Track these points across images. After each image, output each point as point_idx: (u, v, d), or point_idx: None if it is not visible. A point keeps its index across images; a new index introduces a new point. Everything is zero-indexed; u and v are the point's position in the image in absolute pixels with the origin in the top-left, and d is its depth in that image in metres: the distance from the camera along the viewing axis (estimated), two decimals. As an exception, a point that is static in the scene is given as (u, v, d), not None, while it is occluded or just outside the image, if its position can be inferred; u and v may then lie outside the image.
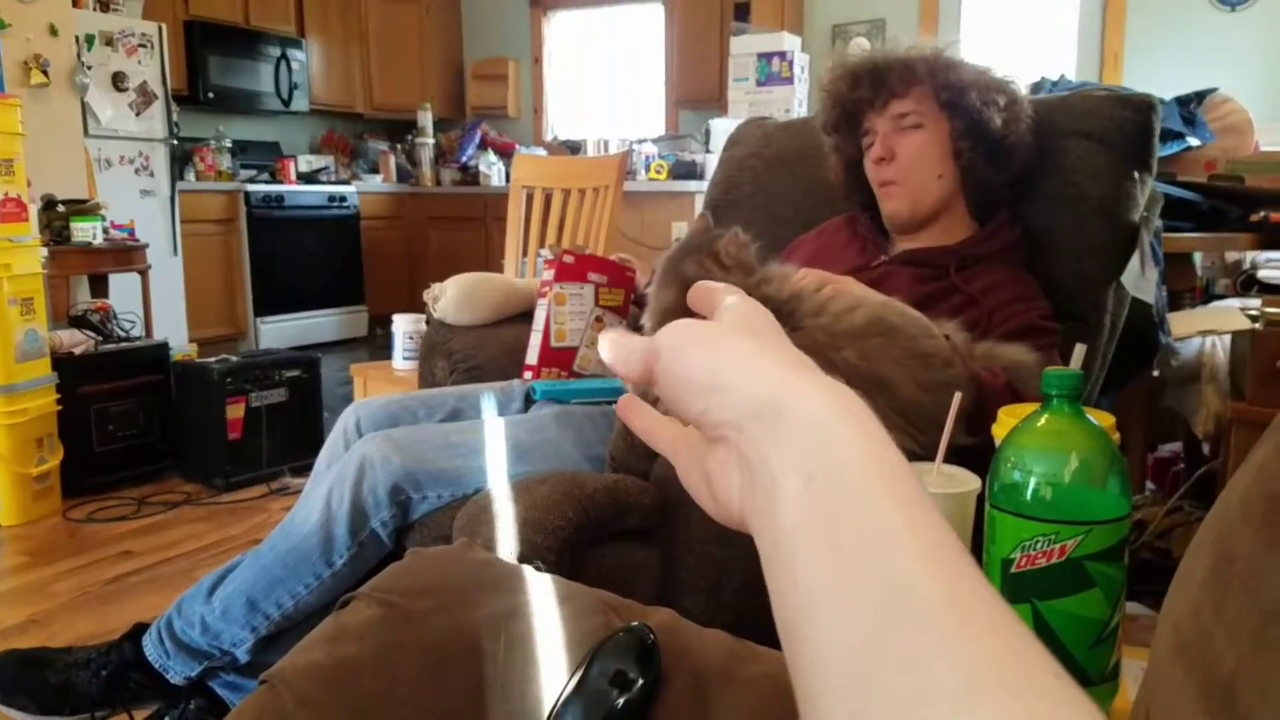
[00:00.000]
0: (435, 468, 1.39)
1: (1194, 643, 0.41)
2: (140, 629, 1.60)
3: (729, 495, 0.39)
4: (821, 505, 0.33)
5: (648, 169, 5.21)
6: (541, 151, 6.26)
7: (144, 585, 2.41)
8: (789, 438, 0.35)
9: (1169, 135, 2.85)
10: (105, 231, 3.96)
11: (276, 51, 6.09)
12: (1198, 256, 3.25)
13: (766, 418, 0.36)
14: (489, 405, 1.66)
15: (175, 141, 4.90)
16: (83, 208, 3.88)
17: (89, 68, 4.35)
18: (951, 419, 1.00)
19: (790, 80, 5.08)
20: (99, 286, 4.04)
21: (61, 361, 3.01)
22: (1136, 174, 1.59)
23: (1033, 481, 0.78)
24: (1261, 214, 2.85)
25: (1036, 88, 3.16)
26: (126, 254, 4.08)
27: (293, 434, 3.29)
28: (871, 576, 0.31)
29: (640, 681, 0.65)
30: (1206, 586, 0.42)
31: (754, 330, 0.41)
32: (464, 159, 6.73)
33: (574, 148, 6.45)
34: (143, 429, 3.25)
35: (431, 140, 6.77)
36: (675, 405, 0.40)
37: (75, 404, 3.04)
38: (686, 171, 5.08)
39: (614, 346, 0.43)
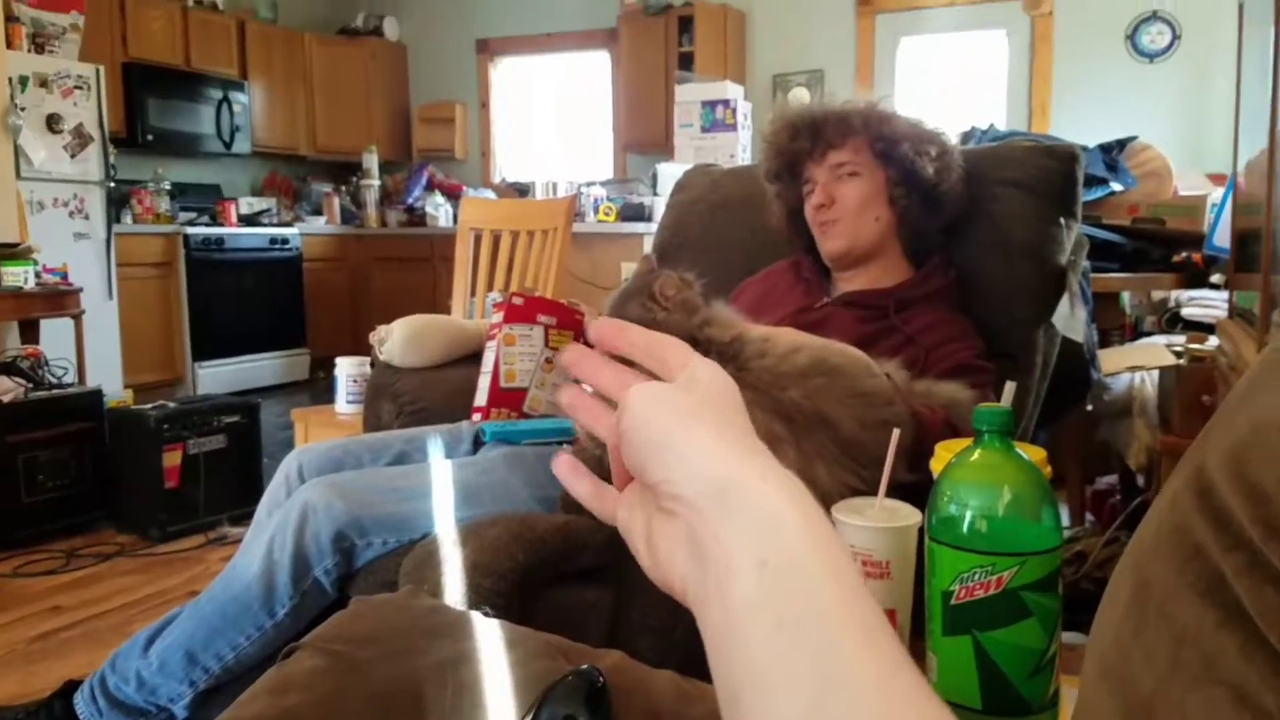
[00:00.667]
0: (380, 513, 1.38)
1: (1116, 667, 0.43)
2: (71, 686, 1.55)
3: (670, 567, 0.42)
4: (771, 587, 0.36)
5: (596, 211, 5.25)
6: (489, 194, 6.27)
7: (74, 642, 2.33)
8: (744, 524, 0.38)
9: (1093, 181, 2.95)
10: (37, 276, 3.88)
11: (218, 93, 6.05)
12: (1125, 295, 3.35)
13: (724, 502, 0.38)
14: (436, 448, 1.65)
15: (112, 184, 4.82)
16: (13, 251, 3.80)
17: (22, 109, 4.28)
18: (891, 455, 1.02)
19: (734, 127, 5.18)
20: (29, 332, 3.94)
21: (-10, 409, 2.92)
22: (1062, 220, 1.65)
23: (968, 515, 0.81)
24: (1183, 255, 2.96)
25: (967, 137, 3.26)
26: (59, 298, 4.00)
27: (232, 482, 3.21)
28: (813, 654, 0.34)
29: (589, 723, 0.65)
30: (1127, 612, 0.44)
31: (721, 409, 0.43)
32: (410, 200, 6.72)
33: (522, 190, 6.48)
34: (74, 478, 3.15)
35: (377, 182, 6.76)
36: (634, 465, 0.42)
37: (3, 453, 2.95)
38: (635, 213, 5.13)
39: (579, 399, 0.45)
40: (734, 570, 0.37)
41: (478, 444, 1.68)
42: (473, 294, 2.90)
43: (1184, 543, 0.40)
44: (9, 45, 4.20)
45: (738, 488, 0.39)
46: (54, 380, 3.34)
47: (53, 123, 4.50)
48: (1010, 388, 1.09)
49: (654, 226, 2.23)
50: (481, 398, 1.79)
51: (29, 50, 4.49)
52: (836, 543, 0.38)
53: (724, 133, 5.18)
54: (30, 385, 3.18)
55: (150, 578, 2.78)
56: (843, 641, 0.34)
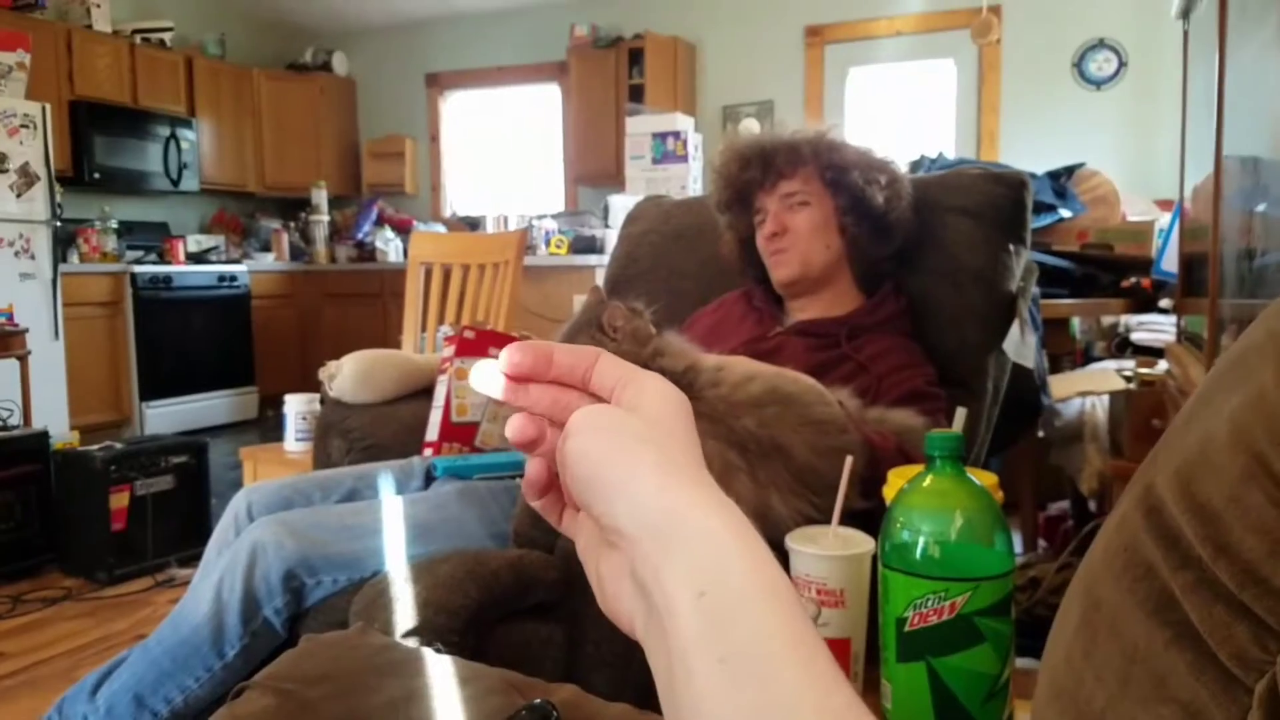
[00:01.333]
0: (331, 551, 1.36)
1: (1068, 687, 0.43)
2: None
3: (618, 603, 0.42)
4: (711, 620, 0.36)
5: (548, 244, 5.26)
6: (440, 228, 6.26)
7: (19, 689, 2.27)
8: (682, 555, 0.38)
9: (1042, 207, 3.01)
10: (-19, 316, 3.80)
11: (166, 131, 5.99)
12: (1075, 321, 3.41)
13: (662, 537, 0.38)
14: (387, 484, 1.63)
15: (58, 223, 4.74)
16: (-44, 292, 3.72)
17: (-34, 149, 4.21)
18: (844, 483, 1.03)
19: (685, 158, 5.22)
20: (-27, 373, 3.85)
21: (-70, 453, 2.85)
22: (1012, 246, 1.67)
23: (921, 540, 0.81)
24: (1132, 280, 3.02)
25: (916, 165, 3.31)
26: (4, 339, 3.91)
27: (180, 523, 3.15)
28: (757, 687, 0.34)
29: (543, 759, 0.64)
30: (1078, 633, 0.44)
31: (669, 429, 0.43)
32: (360, 235, 6.69)
33: (473, 224, 6.47)
34: (19, 522, 3.07)
35: (326, 218, 6.72)
36: (575, 493, 0.42)
37: (-54, 497, 2.88)
38: (586, 246, 5.14)
39: (522, 419, 0.44)
40: (674, 607, 0.37)
41: (429, 480, 1.66)
42: (423, 329, 2.89)
43: (1133, 562, 0.40)
44: (-50, 83, 4.13)
45: (676, 521, 0.38)
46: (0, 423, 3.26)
47: (-2, 162, 4.43)
48: (961, 413, 1.10)
49: (606, 259, 2.24)
50: (433, 432, 1.77)
51: (-27, 89, 4.43)
52: (774, 567, 0.38)
53: (675, 164, 5.23)
54: (-28, 428, 3.10)
55: (98, 621, 2.71)
56: (784, 670, 0.34)
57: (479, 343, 1.81)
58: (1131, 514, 0.42)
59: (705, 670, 0.35)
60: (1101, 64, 5.21)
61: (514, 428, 0.44)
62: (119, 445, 3.10)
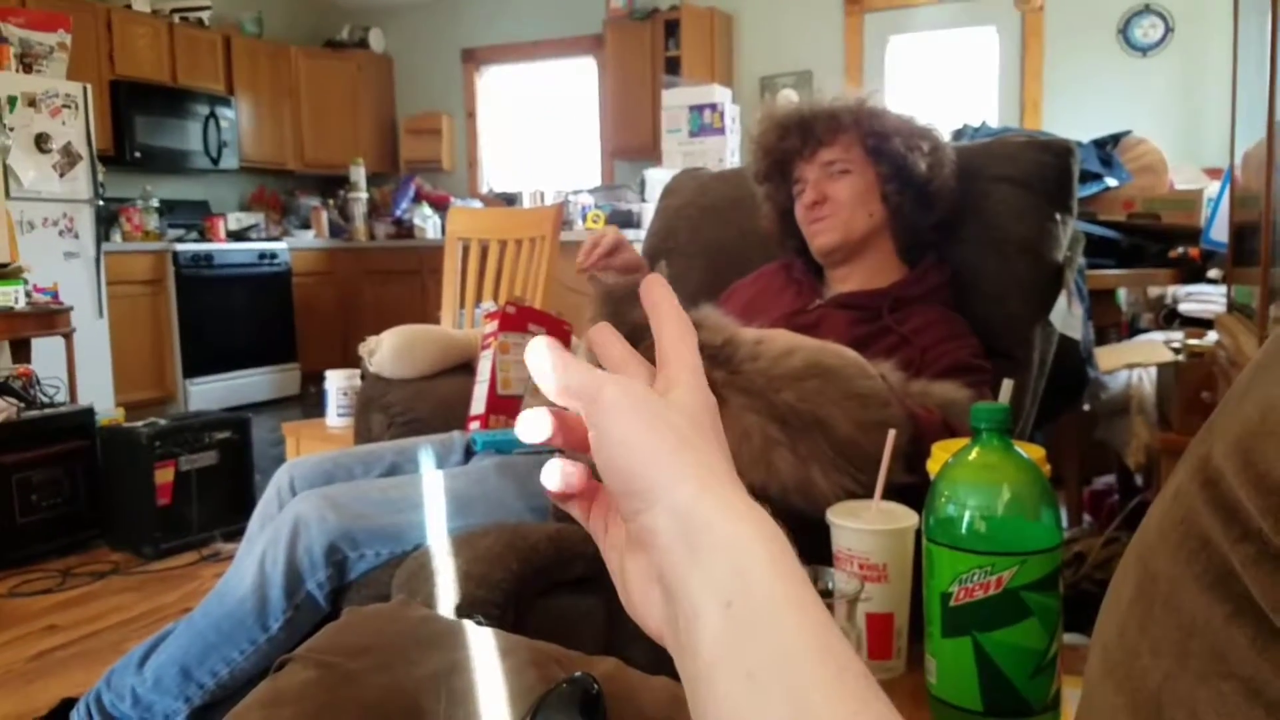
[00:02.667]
0: (373, 525, 1.37)
1: (1122, 662, 0.42)
2: (67, 704, 1.54)
3: (647, 608, 0.41)
4: (738, 632, 0.35)
5: (585, 219, 5.24)
6: (477, 204, 6.27)
7: (71, 661, 2.32)
8: (710, 563, 0.37)
9: (1088, 176, 2.95)
10: (27, 295, 3.86)
11: (205, 110, 6.04)
12: (1122, 292, 3.35)
13: (691, 543, 0.37)
14: (427, 459, 1.64)
15: (101, 202, 4.80)
16: (3, 271, 3.78)
17: (11, 129, 4.27)
18: (887, 457, 1.01)
19: (722, 131, 5.18)
20: (21, 351, 3.92)
21: (-19, 429, 2.91)
22: (1058, 215, 1.64)
23: (967, 515, 0.79)
24: (1180, 250, 2.96)
25: (959, 134, 3.26)
26: (50, 318, 3.98)
27: (224, 498, 3.20)
28: (785, 702, 0.34)
29: (585, 733, 0.64)
30: (1132, 607, 0.43)
31: (704, 426, 0.42)
32: (398, 213, 6.71)
33: (510, 199, 6.47)
34: (68, 498, 3.14)
35: (365, 195, 6.75)
36: (610, 481, 0.41)
37: (-3, 473, 2.94)
38: (623, 221, 5.12)
39: (562, 362, 0.42)
40: (701, 616, 0.36)
41: (469, 454, 1.67)
42: (461, 305, 2.89)
43: (1190, 535, 0.39)
44: (-4, 65, 4.19)
45: (707, 528, 0.38)
46: (46, 399, 3.32)
47: (41, 142, 4.49)
48: (1008, 385, 1.08)
49: (643, 233, 2.23)
50: (479, 405, 1.78)
51: (17, 70, 4.48)
52: (801, 578, 0.37)
53: (712, 137, 5.18)
54: (22, 405, 3.16)
55: (145, 595, 2.76)
56: (812, 688, 0.34)
57: (520, 318, 1.82)
58: (1188, 485, 0.41)
59: (733, 683, 0.34)
60: (1147, 29, 5.08)
61: (560, 477, 0.44)
62: (163, 421, 3.15)
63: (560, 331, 1.84)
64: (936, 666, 0.83)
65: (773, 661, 0.34)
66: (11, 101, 4.34)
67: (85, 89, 4.70)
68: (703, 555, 0.37)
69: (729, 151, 5.19)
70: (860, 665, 0.35)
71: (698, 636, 0.36)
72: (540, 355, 0.42)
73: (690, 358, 0.44)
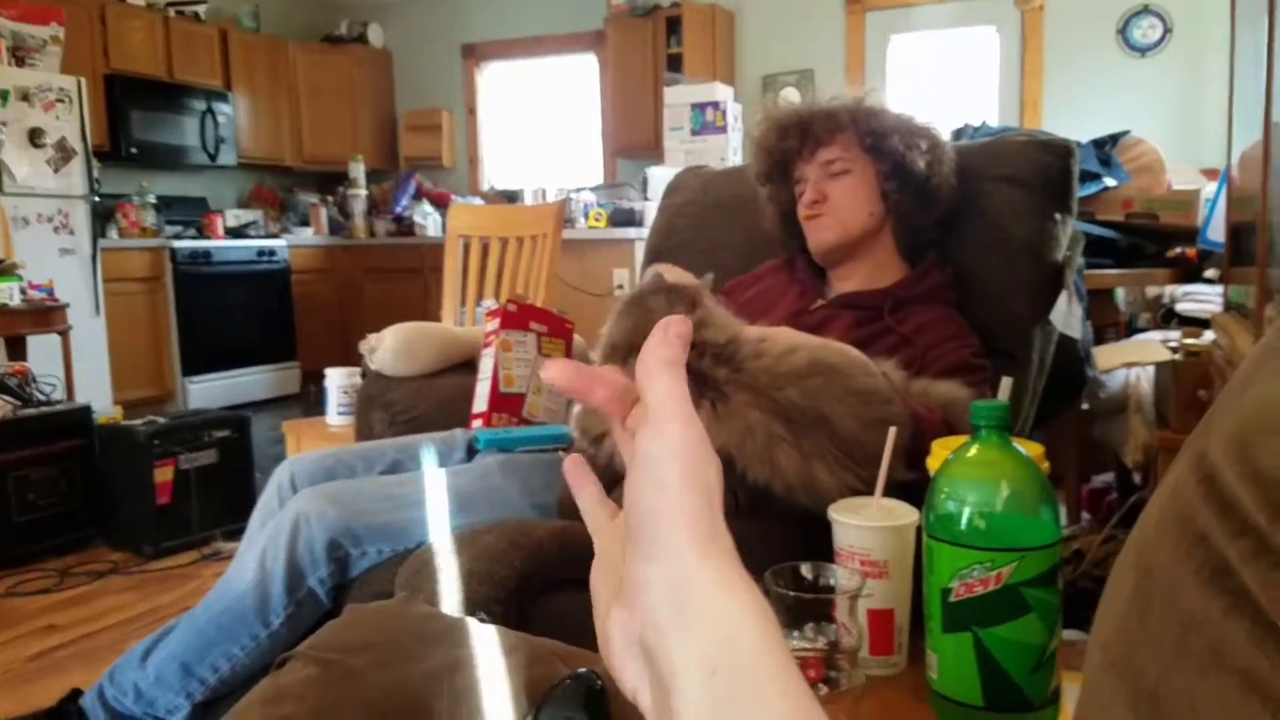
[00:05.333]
0: (375, 521, 1.37)
1: (1121, 656, 0.43)
2: (77, 694, 1.55)
3: (625, 664, 0.41)
4: (722, 702, 0.35)
5: (587, 217, 5.24)
6: (478, 201, 6.26)
7: (70, 660, 2.32)
8: (698, 629, 0.37)
9: (1087, 176, 2.95)
10: (22, 292, 3.86)
11: (202, 105, 6.03)
12: (1120, 292, 3.35)
13: (680, 606, 0.37)
14: (429, 456, 1.64)
15: (96, 198, 4.79)
16: (-1, 268, 3.78)
17: (3, 124, 4.27)
18: (888, 454, 1.02)
19: (724, 129, 5.17)
20: (16, 349, 3.90)
21: (-22, 427, 2.90)
22: (1058, 215, 1.64)
23: (966, 511, 0.80)
24: (1177, 250, 2.96)
25: (959, 133, 3.26)
26: (45, 315, 3.97)
27: (224, 496, 3.19)
28: None
29: (589, 728, 0.65)
30: (1131, 602, 0.43)
31: (717, 486, 0.41)
32: (398, 210, 6.71)
33: (511, 197, 6.47)
34: (65, 496, 3.13)
35: (364, 192, 6.74)
36: (628, 506, 0.41)
37: (-6, 471, 2.93)
38: (625, 219, 5.12)
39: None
40: (681, 683, 0.36)
41: (471, 452, 1.67)
42: (463, 303, 2.89)
43: (1188, 530, 0.39)
44: (-10, 60, 4.19)
45: (699, 595, 0.38)
46: (43, 398, 3.31)
47: (35, 137, 4.47)
48: (1007, 383, 1.09)
49: (645, 231, 2.23)
50: (482, 403, 1.78)
51: (9, 63, 4.46)
52: (787, 653, 0.37)
53: (714, 135, 5.18)
54: (19, 403, 3.15)
55: (144, 595, 2.76)
56: None
57: (521, 316, 1.82)
58: (1185, 480, 0.41)
59: None
60: (1146, 30, 5.09)
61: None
62: (162, 420, 3.15)
63: (562, 330, 1.85)
64: (937, 662, 0.84)
65: None
66: (4, 96, 4.33)
67: (79, 83, 4.68)
68: (692, 621, 0.37)
69: (731, 150, 5.19)
70: None
71: (679, 702, 0.36)
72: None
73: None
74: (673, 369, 0.42)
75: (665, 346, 0.43)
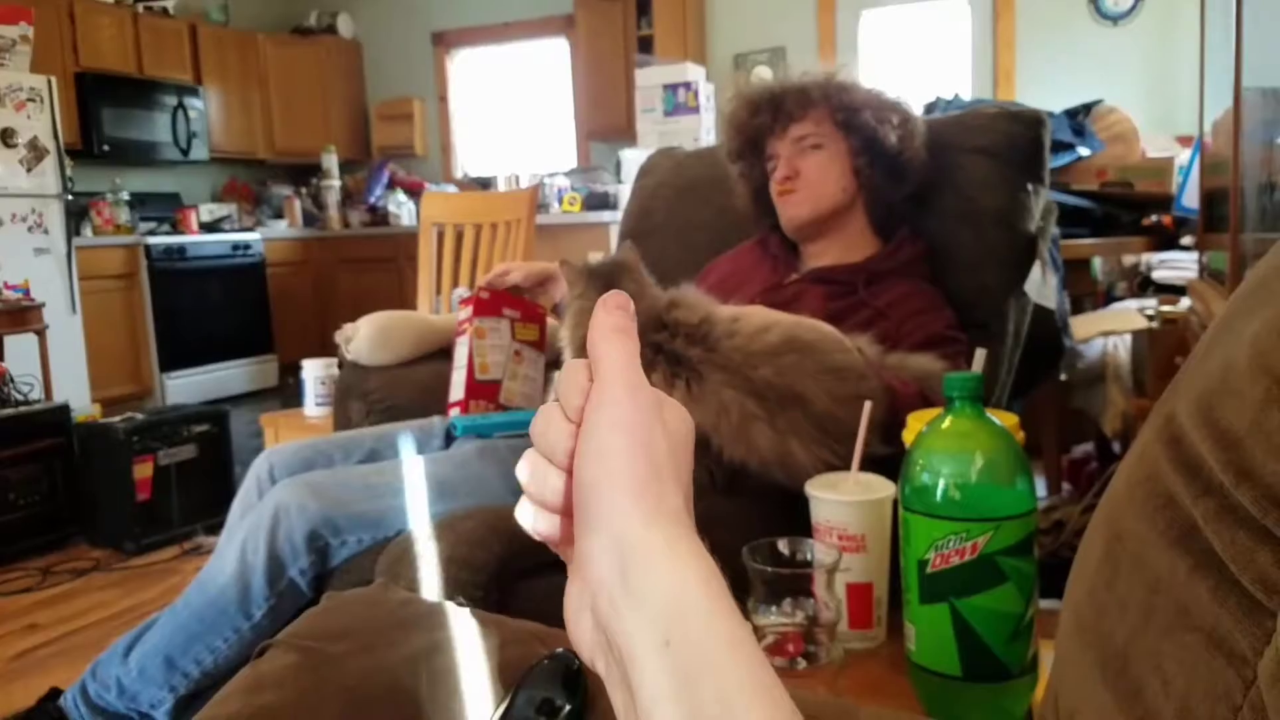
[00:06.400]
0: (354, 511, 1.36)
1: (1091, 621, 0.43)
2: (56, 693, 1.54)
3: (580, 634, 0.40)
4: (678, 673, 0.35)
5: (561, 201, 5.22)
6: (452, 189, 6.23)
7: (53, 659, 2.30)
8: (648, 601, 0.37)
9: (1060, 146, 2.96)
10: (-2, 292, 3.82)
11: (173, 100, 5.97)
12: (1096, 261, 3.37)
13: (627, 577, 0.37)
14: (408, 444, 1.64)
15: (70, 197, 4.74)
16: (-27, 268, 3.74)
17: (-25, 125, 4.21)
18: (864, 429, 1.02)
19: (697, 110, 5.16)
20: (-8, 349, 3.88)
21: (-45, 429, 2.87)
22: (1030, 186, 1.65)
23: (941, 482, 0.80)
24: (1153, 217, 2.98)
25: (931, 107, 3.26)
26: (21, 314, 3.93)
27: (204, 491, 3.18)
28: None
29: (567, 707, 0.64)
30: (1100, 567, 0.43)
31: (675, 452, 0.41)
32: (372, 200, 6.66)
33: (485, 184, 6.44)
34: (45, 495, 3.11)
35: (337, 183, 6.69)
36: (574, 477, 0.40)
37: (-28, 472, 2.91)
38: (600, 202, 5.10)
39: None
40: (636, 654, 0.36)
41: (449, 439, 1.66)
42: (439, 291, 2.88)
43: (1155, 493, 0.39)
44: (-43, 59, 4.12)
45: (645, 565, 0.37)
46: (20, 397, 3.28)
47: (7, 137, 4.42)
48: (981, 354, 1.09)
49: (620, 215, 2.22)
50: (458, 392, 1.77)
51: (-22, 64, 4.41)
52: (738, 618, 0.37)
53: (687, 116, 5.16)
54: (-5, 403, 3.13)
55: (127, 591, 2.75)
56: None
57: (494, 302, 1.80)
58: (1152, 445, 0.41)
59: None
60: (1118, -1, 5.10)
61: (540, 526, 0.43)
62: (140, 416, 3.13)
63: (535, 315, 1.84)
64: (915, 633, 0.84)
65: (713, 705, 0.34)
66: (-25, 97, 4.27)
67: (50, 82, 4.63)
68: (642, 593, 0.37)
69: (704, 130, 5.18)
70: (791, 704, 0.35)
71: (635, 673, 0.36)
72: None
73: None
74: (619, 334, 0.42)
75: (608, 315, 0.42)
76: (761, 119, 1.64)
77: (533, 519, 0.43)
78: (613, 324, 0.42)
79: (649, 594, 0.37)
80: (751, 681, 0.35)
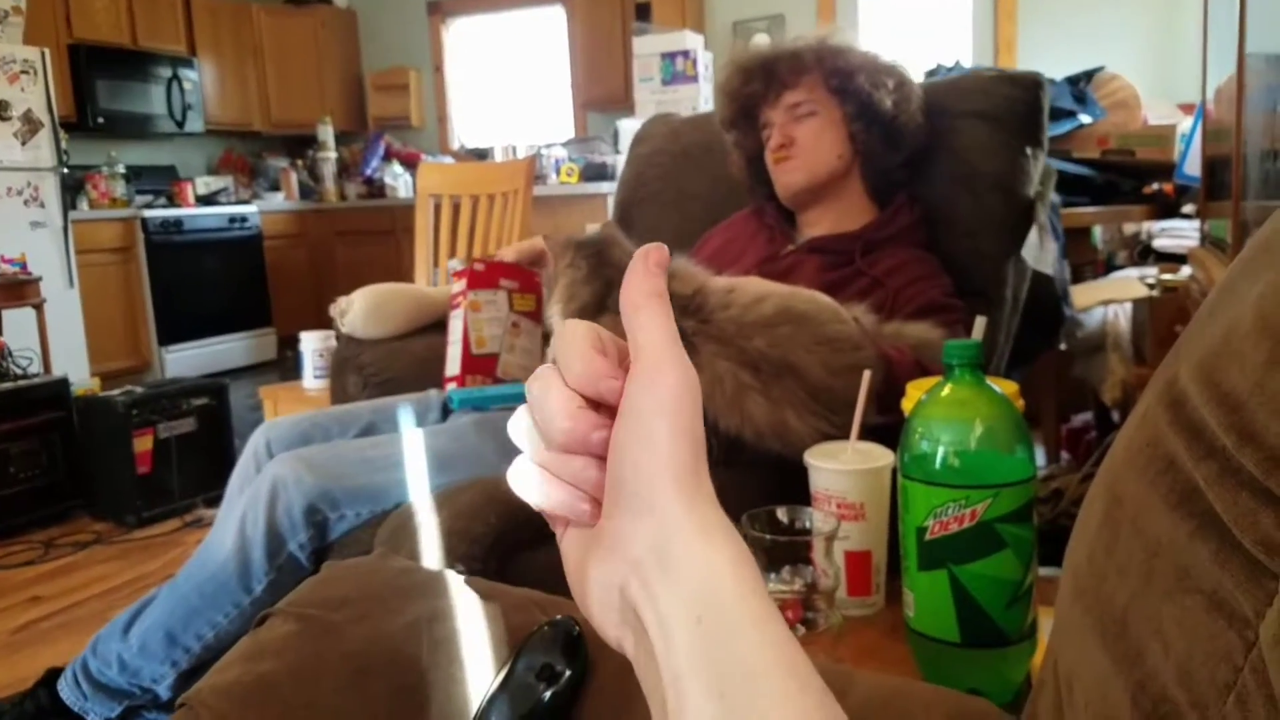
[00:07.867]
0: (352, 484, 1.36)
1: (1090, 585, 0.43)
2: (54, 674, 1.54)
3: (607, 614, 0.40)
4: (709, 649, 0.35)
5: (558, 172, 5.20)
6: (448, 160, 6.19)
7: (56, 631, 2.32)
8: (684, 579, 0.37)
9: (1061, 114, 2.94)
10: (-6, 266, 3.81)
11: (167, 72, 5.92)
12: (1097, 230, 3.36)
13: (664, 556, 0.37)
14: (406, 417, 1.64)
15: (65, 170, 4.71)
16: (-32, 243, 3.72)
17: (-32, 98, 4.18)
18: (862, 398, 1.02)
19: (695, 79, 5.11)
20: (-10, 324, 3.87)
21: (-46, 403, 2.87)
22: (1028, 149, 1.63)
23: (940, 450, 0.80)
24: (1154, 185, 2.96)
25: (932, 74, 3.24)
26: (19, 288, 3.92)
27: (205, 464, 3.18)
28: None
29: (567, 673, 0.65)
30: (1100, 531, 0.43)
31: (700, 435, 0.40)
32: (368, 172, 6.63)
33: (481, 155, 6.40)
34: (46, 469, 3.12)
35: (333, 154, 6.65)
36: (613, 456, 0.39)
37: (-28, 447, 2.91)
38: (597, 173, 5.08)
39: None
40: (670, 630, 0.36)
41: (446, 412, 1.66)
42: (435, 263, 2.87)
43: (1156, 456, 0.39)
44: (-52, 31, 4.09)
45: (683, 545, 0.37)
46: (19, 371, 3.28)
47: (1, 110, 4.39)
48: (980, 321, 1.09)
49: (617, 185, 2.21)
50: (454, 366, 1.76)
51: (-30, 37, 4.38)
52: (764, 594, 0.37)
53: (685, 85, 5.12)
54: (-6, 377, 3.12)
55: (129, 564, 2.76)
56: (780, 709, 0.34)
57: (489, 274, 1.79)
58: (1154, 409, 0.41)
59: (704, 706, 0.35)
60: (1120, -37, 5.04)
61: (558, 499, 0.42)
62: (139, 389, 3.13)
63: (532, 285, 1.83)
64: (914, 600, 0.84)
65: (744, 683, 0.34)
66: (-32, 70, 4.24)
67: (43, 54, 4.59)
68: (676, 572, 0.37)
69: (703, 99, 5.13)
70: (820, 681, 0.35)
71: (665, 649, 0.36)
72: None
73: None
74: (659, 301, 0.40)
75: (646, 277, 0.41)
76: (754, 86, 1.63)
77: (539, 494, 0.42)
78: (650, 288, 0.40)
79: (685, 574, 0.37)
80: (777, 657, 0.35)
